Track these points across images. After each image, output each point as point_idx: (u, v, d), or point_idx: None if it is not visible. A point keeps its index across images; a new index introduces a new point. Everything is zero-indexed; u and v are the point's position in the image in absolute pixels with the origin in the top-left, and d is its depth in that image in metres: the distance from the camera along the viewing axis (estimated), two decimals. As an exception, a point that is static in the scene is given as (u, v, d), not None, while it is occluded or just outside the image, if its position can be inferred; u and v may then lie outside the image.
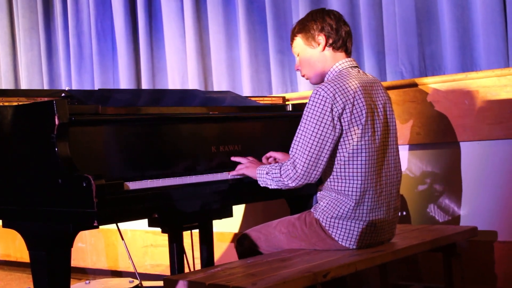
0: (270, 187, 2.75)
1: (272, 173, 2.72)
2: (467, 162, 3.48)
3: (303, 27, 2.86)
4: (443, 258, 3.11)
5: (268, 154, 3.04)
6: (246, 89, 4.42)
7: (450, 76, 3.49)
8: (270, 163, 2.88)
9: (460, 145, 3.49)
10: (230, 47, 4.55)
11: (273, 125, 3.33)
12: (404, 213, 3.65)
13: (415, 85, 3.59)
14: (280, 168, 2.69)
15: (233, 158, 2.98)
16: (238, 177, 2.88)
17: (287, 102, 3.97)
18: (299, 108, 3.47)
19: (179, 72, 4.78)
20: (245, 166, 2.87)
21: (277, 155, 3.01)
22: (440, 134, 3.54)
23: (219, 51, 4.56)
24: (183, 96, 3.55)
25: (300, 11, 4.10)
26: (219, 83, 4.57)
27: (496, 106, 3.35)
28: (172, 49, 4.80)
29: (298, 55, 2.91)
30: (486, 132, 3.38)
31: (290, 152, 2.69)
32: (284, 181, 2.67)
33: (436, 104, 3.53)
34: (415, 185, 3.63)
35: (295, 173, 2.64)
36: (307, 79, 2.94)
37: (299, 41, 2.88)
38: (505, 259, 3.35)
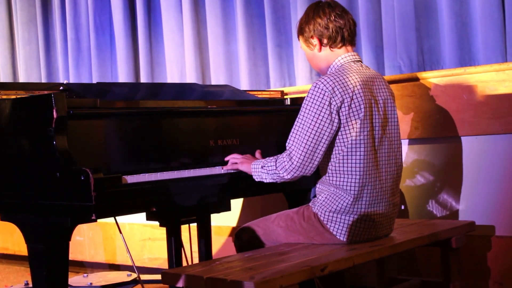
0: (265, 181, 2.76)
1: (267, 166, 2.72)
2: (465, 156, 3.48)
3: (300, 29, 2.88)
4: (440, 252, 3.12)
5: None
6: (243, 83, 4.42)
7: (449, 70, 3.49)
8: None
9: (458, 139, 3.49)
10: (228, 41, 4.55)
11: (272, 119, 3.33)
12: (402, 207, 3.66)
13: (413, 79, 3.59)
14: (276, 161, 2.70)
15: (227, 158, 2.97)
16: (232, 171, 2.89)
17: (285, 96, 3.96)
18: (297, 102, 3.46)
19: (178, 65, 4.77)
20: (240, 162, 2.88)
21: None
22: (438, 128, 3.54)
23: (217, 45, 4.56)
24: (181, 89, 3.55)
25: (298, 4, 4.09)
26: (217, 77, 4.57)
27: (495, 101, 3.35)
28: (170, 42, 4.80)
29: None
30: (485, 126, 3.38)
31: (287, 143, 2.70)
32: (279, 173, 2.68)
33: (434, 98, 3.53)
34: (413, 179, 3.63)
35: (290, 165, 2.65)
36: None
37: (301, 41, 2.91)
38: (503, 254, 3.36)
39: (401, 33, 3.71)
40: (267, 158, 2.77)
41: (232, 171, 2.88)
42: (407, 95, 3.59)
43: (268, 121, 3.31)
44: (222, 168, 2.89)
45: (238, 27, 4.43)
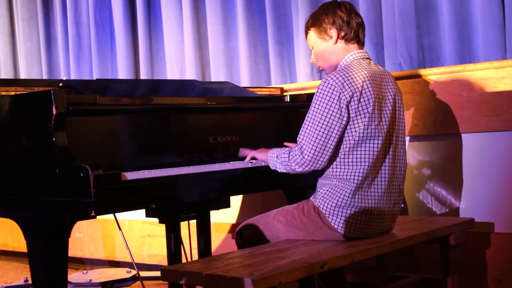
0: (279, 170, 2.82)
1: (281, 156, 2.80)
2: (464, 153, 3.48)
3: (316, 21, 2.89)
4: (439, 249, 3.12)
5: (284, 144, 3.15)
6: (244, 80, 4.42)
7: (448, 68, 3.49)
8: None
9: (458, 136, 3.49)
10: (228, 38, 4.55)
11: (271, 116, 3.33)
12: (402, 204, 3.65)
13: (413, 76, 3.59)
14: (289, 153, 2.77)
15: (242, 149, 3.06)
16: (252, 162, 2.97)
17: (285, 93, 3.97)
18: (297, 99, 3.47)
19: (178, 62, 4.77)
20: (257, 151, 2.97)
21: (290, 145, 3.09)
22: (438, 125, 3.54)
23: (217, 42, 4.56)
24: (181, 86, 3.55)
25: (299, 1, 4.09)
26: (216, 74, 4.57)
27: (494, 98, 3.35)
28: (170, 39, 4.80)
29: (312, 48, 2.94)
30: (484, 124, 3.39)
31: (298, 138, 2.75)
32: (291, 166, 2.75)
33: (434, 95, 3.53)
34: (413, 176, 3.63)
35: (301, 159, 2.71)
36: (322, 70, 2.99)
37: (312, 34, 2.92)
38: (502, 251, 3.36)
39: (401, 30, 3.71)
40: (283, 148, 2.84)
41: (251, 161, 2.96)
42: (407, 92, 3.59)
43: (268, 118, 3.31)
44: (246, 161, 2.97)
45: (239, 24, 4.43)
